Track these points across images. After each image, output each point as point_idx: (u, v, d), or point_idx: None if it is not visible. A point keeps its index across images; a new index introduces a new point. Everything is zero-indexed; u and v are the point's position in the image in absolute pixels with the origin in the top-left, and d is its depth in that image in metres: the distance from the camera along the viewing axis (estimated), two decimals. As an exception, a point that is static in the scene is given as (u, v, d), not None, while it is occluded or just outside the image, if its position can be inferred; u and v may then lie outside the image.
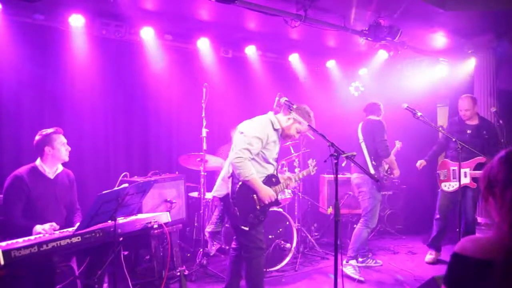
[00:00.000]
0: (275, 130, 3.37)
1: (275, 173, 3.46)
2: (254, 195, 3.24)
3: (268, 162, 3.37)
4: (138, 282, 3.89)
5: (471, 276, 1.24)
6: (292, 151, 5.12)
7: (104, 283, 3.34)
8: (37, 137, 3.32)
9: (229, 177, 3.30)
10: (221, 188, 3.38)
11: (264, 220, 3.34)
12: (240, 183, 3.20)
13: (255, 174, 3.20)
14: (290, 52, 6.31)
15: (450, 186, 4.77)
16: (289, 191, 4.82)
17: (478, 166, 4.55)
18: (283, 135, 3.45)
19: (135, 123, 5.35)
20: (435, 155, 5.10)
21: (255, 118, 3.43)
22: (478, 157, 4.52)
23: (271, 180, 3.38)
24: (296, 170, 5.06)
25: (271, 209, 4.51)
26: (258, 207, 3.26)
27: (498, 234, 1.24)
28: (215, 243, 3.61)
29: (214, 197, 3.47)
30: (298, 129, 3.41)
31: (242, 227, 3.21)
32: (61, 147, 3.34)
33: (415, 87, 6.25)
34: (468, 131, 4.77)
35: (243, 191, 3.22)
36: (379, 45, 5.32)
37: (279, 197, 3.55)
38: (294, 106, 3.31)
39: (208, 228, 3.46)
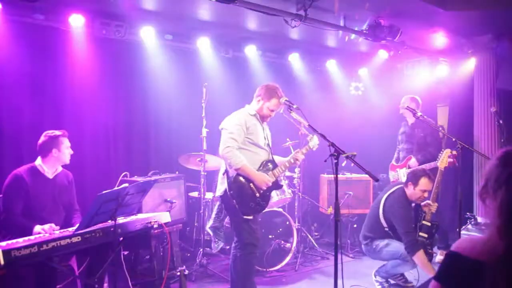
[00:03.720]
0: (252, 115, 3.51)
1: (270, 158, 3.55)
2: (251, 184, 3.32)
3: (260, 147, 3.46)
4: (138, 282, 3.89)
5: (465, 275, 1.23)
6: (292, 151, 5.11)
7: (104, 282, 3.34)
8: (43, 138, 3.33)
9: (224, 174, 3.42)
10: (220, 187, 3.47)
11: (266, 205, 3.45)
12: (234, 175, 3.30)
13: (245, 161, 3.28)
14: (290, 52, 6.30)
15: None
16: (289, 191, 4.81)
17: (409, 165, 4.98)
18: (261, 117, 3.56)
19: (135, 123, 5.35)
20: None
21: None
22: (408, 157, 5.03)
23: (267, 166, 3.48)
24: (296, 169, 5.06)
25: (272, 209, 4.54)
26: (257, 194, 3.35)
27: (489, 235, 1.23)
28: (217, 240, 3.72)
29: (215, 197, 3.62)
30: (269, 107, 3.49)
31: (245, 216, 3.29)
32: (66, 150, 3.40)
33: (415, 87, 6.25)
34: (404, 130, 5.24)
35: (239, 182, 3.31)
36: (379, 45, 5.32)
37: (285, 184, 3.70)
38: (295, 106, 3.32)
39: (208, 224, 3.65)
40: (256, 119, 3.53)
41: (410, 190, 3.88)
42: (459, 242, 1.29)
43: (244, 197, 3.30)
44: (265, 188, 3.37)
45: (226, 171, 3.39)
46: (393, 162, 5.36)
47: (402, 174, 5.09)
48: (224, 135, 3.40)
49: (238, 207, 3.27)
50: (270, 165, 3.50)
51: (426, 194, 3.86)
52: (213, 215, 3.66)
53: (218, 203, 3.72)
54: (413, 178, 3.86)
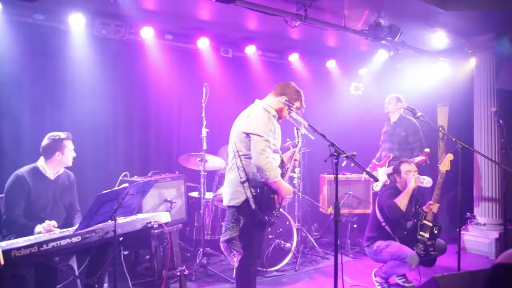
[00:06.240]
0: (273, 117, 3.21)
1: (279, 160, 3.33)
2: (274, 195, 3.14)
3: (277, 152, 3.27)
4: (138, 282, 3.90)
5: None
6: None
7: (104, 283, 3.34)
8: (47, 141, 3.31)
9: (243, 183, 3.08)
10: (237, 195, 3.11)
11: (279, 215, 3.28)
12: (264, 187, 3.07)
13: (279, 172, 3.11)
14: (290, 52, 6.30)
15: (377, 186, 5.16)
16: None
17: (389, 164, 5.04)
18: (278, 118, 3.31)
19: (135, 123, 5.35)
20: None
21: (249, 113, 3.22)
22: (387, 155, 5.10)
23: (282, 172, 3.28)
24: (296, 169, 5.05)
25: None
26: (278, 205, 3.21)
27: None
28: (234, 252, 3.32)
29: (227, 206, 3.23)
30: (289, 110, 3.30)
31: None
32: (69, 154, 3.39)
33: (415, 87, 6.25)
34: (386, 130, 5.26)
35: (263, 194, 3.09)
36: (379, 45, 5.31)
37: None
38: (294, 106, 3.30)
39: (223, 238, 3.19)
40: (276, 120, 3.25)
41: (399, 182, 4.17)
42: (507, 253, 1.24)
43: (269, 209, 3.13)
44: (288, 198, 3.25)
45: (247, 180, 3.08)
46: (375, 161, 5.36)
47: (381, 174, 5.13)
48: (259, 143, 3.00)
49: (267, 220, 3.08)
50: (282, 170, 3.29)
51: (412, 174, 4.10)
52: (230, 225, 3.18)
53: (229, 213, 3.23)
54: (395, 171, 4.24)
